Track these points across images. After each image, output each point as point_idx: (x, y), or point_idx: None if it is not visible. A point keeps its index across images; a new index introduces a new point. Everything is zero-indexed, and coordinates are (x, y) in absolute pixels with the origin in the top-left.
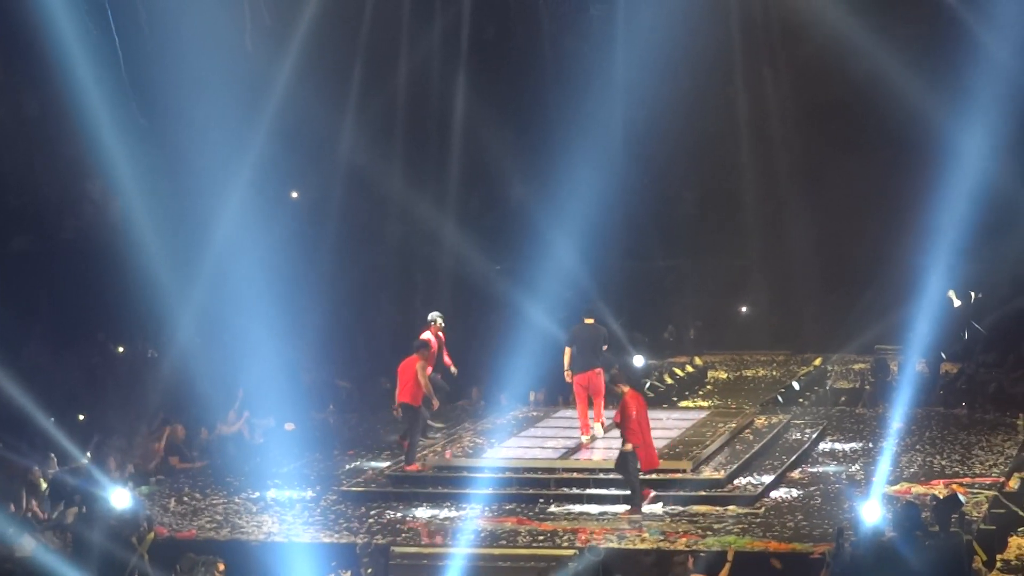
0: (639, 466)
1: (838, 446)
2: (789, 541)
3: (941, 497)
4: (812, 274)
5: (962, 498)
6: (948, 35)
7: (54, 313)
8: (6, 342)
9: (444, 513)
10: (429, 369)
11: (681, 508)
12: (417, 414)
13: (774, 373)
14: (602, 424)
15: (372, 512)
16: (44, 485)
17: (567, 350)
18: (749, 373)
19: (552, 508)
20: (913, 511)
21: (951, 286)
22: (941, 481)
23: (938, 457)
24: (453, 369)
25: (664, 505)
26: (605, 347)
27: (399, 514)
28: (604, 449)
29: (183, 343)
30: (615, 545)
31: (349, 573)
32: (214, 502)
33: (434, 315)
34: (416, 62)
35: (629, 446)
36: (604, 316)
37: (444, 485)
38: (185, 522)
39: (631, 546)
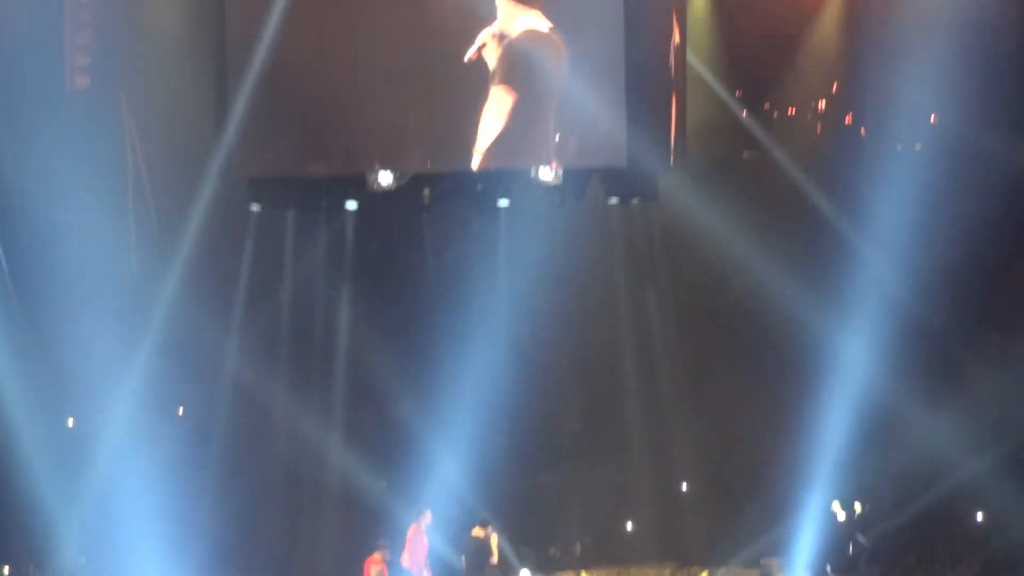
0: None
1: None
2: None
3: None
4: (697, 486)
5: None
6: (830, 249)
7: None
8: None
9: None
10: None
11: None
12: None
13: None
14: None
15: None
16: None
17: (463, 558)
18: None
19: None
20: None
21: (835, 498)
22: None
23: None
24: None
25: None
26: (494, 559)
27: None
28: None
29: (68, 565)
30: None
31: None
32: None
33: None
34: (300, 279)
35: None
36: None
37: None
38: None
39: None
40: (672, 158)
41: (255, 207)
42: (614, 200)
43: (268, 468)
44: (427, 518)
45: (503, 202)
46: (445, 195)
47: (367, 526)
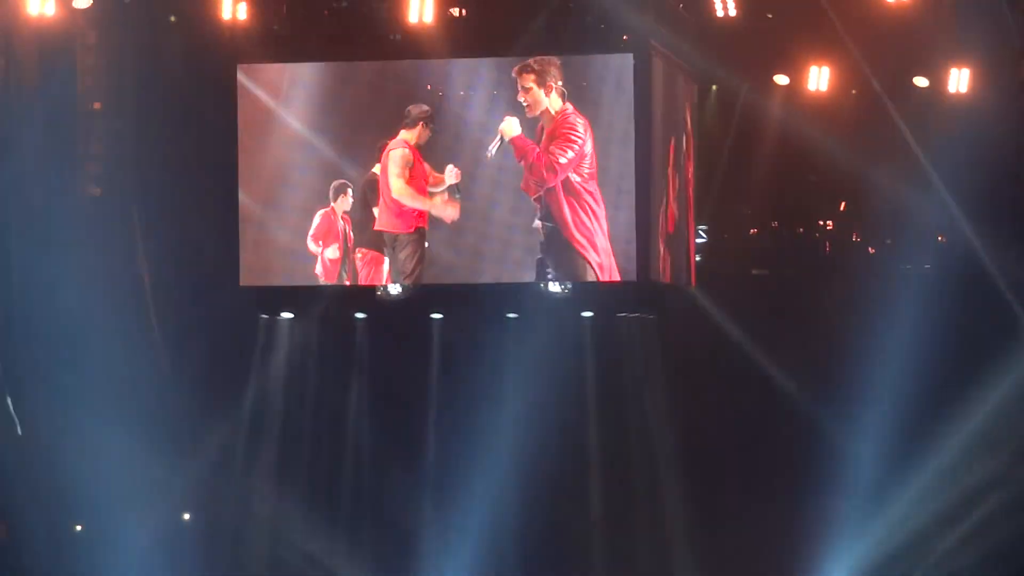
0: None
1: None
2: None
3: None
4: None
5: None
6: (840, 364)
7: None
8: None
9: None
10: None
11: None
12: None
13: None
14: None
15: None
16: None
17: None
18: None
19: None
20: None
21: None
22: None
23: None
24: None
25: None
26: None
27: None
28: None
29: None
30: None
31: None
32: None
33: None
34: (306, 389)
35: None
36: None
37: None
38: None
39: None
40: (687, 275)
41: (263, 316)
42: (621, 314)
43: None
44: None
45: (512, 315)
46: (453, 306)
47: None
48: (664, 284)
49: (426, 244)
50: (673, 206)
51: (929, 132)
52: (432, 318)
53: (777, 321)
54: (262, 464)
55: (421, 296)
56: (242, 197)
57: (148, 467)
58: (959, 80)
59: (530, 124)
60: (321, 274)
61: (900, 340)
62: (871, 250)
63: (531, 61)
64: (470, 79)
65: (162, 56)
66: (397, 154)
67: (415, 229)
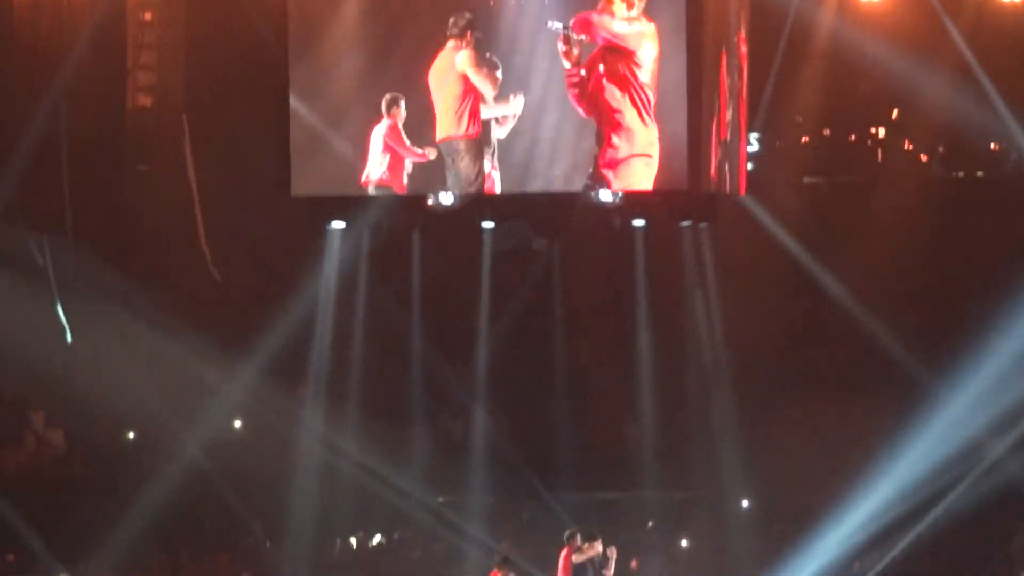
0: None
1: None
2: None
3: None
4: (752, 510)
5: None
6: (890, 272)
7: None
8: None
9: None
10: None
11: None
12: None
13: None
14: None
15: None
16: None
17: None
18: None
19: None
20: None
21: None
22: None
23: None
24: None
25: None
26: None
27: None
28: None
29: None
30: None
31: None
32: None
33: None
34: (354, 297)
35: None
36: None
37: None
38: None
39: None
40: (739, 183)
41: (322, 224)
42: (685, 223)
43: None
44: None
45: (563, 223)
46: (505, 215)
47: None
48: (716, 192)
49: (485, 151)
50: (726, 114)
51: (983, 39)
52: (484, 227)
53: (829, 228)
54: (314, 373)
55: (472, 205)
56: (292, 107)
57: (199, 374)
58: None
59: None
60: (374, 183)
61: (952, 248)
62: (923, 157)
63: None
64: None
65: None
66: (464, 55)
67: (472, 135)
